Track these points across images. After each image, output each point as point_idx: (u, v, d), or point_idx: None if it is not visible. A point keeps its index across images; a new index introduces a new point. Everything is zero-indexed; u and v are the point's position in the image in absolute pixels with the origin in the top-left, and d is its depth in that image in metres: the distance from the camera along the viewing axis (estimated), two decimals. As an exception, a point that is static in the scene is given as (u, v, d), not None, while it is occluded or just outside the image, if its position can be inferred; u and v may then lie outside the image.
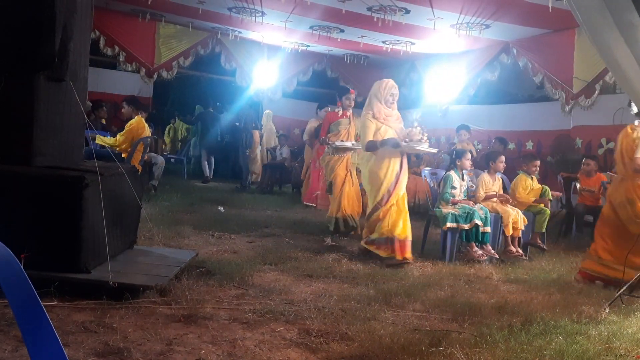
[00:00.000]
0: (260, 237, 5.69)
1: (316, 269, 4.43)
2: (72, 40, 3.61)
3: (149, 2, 8.21)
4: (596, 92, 7.79)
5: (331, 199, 6.00)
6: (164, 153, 12.00)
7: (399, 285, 4.11)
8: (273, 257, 4.73)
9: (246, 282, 3.88)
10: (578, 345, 2.84)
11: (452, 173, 5.67)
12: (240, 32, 10.19)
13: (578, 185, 7.07)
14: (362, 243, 5.16)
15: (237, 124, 11.11)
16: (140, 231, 4.47)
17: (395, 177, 5.06)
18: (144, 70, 9.96)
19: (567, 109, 8.14)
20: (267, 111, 11.97)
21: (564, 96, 8.21)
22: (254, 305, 3.37)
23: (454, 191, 5.58)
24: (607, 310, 3.67)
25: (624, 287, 3.98)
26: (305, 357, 2.64)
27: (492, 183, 5.97)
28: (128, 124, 7.04)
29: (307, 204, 8.55)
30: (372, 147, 5.03)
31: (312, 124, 9.16)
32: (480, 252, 5.35)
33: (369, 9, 7.69)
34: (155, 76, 10.14)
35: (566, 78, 8.18)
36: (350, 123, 6.21)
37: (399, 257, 4.84)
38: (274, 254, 4.87)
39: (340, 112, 6.21)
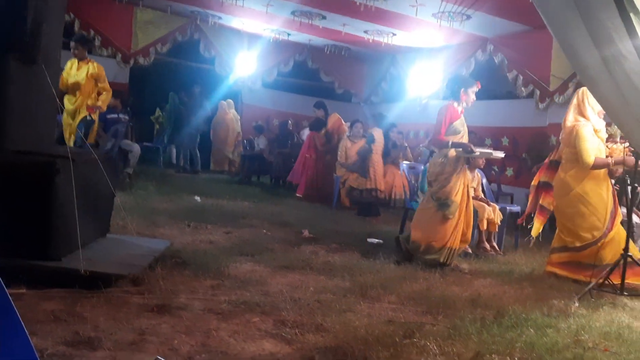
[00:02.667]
0: (237, 228, 5.65)
1: (293, 261, 4.42)
2: (45, 22, 3.51)
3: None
4: (570, 89, 7.92)
5: (436, 222, 4.78)
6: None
7: (375, 277, 4.12)
8: (250, 248, 4.71)
9: (222, 272, 3.84)
10: (548, 338, 2.89)
11: None
12: (220, 18, 10.05)
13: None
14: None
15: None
16: (114, 219, 4.41)
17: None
18: (120, 55, 9.77)
19: (541, 106, 8.26)
20: (228, 100, 11.93)
21: (539, 94, 8.34)
22: (229, 296, 3.34)
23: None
24: (576, 304, 3.74)
25: (594, 282, 4.07)
26: (280, 348, 2.63)
27: (471, 179, 6.01)
28: None
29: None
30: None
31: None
32: None
33: (352, -8, 7.65)
34: (131, 62, 9.95)
35: (543, 76, 8.29)
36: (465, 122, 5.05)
37: None
38: (251, 245, 4.85)
39: (461, 109, 5.00)
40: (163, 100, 12.20)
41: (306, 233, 5.71)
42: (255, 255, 4.48)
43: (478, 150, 4.86)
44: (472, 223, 4.99)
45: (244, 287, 3.58)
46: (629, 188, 4.49)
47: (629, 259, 4.12)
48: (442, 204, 4.74)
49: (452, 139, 4.79)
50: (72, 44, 6.56)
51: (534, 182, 5.04)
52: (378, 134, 8.41)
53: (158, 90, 12.71)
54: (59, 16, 3.99)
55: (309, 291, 3.60)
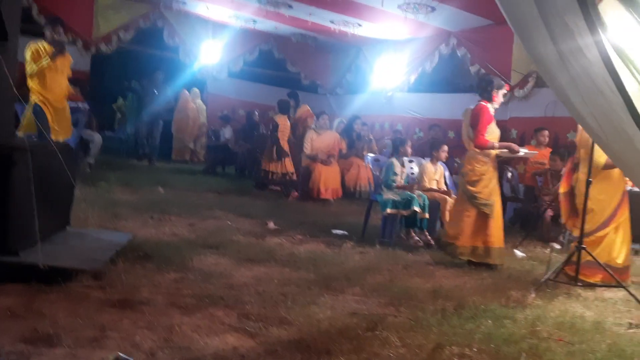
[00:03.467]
0: (201, 220, 5.61)
1: (258, 253, 4.43)
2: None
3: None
4: (530, 84, 8.14)
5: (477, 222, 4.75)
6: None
7: (339, 269, 4.17)
8: (214, 241, 4.68)
9: (185, 266, 3.82)
10: (505, 329, 2.99)
11: (394, 160, 5.79)
12: (185, 3, 9.85)
13: None
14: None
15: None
16: (74, 212, 4.31)
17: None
18: (81, 42, 9.46)
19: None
20: (194, 89, 11.79)
21: (501, 88, 8.51)
22: (193, 289, 3.33)
23: (395, 177, 5.70)
24: (533, 295, 3.88)
25: (549, 273, 4.21)
26: (243, 342, 2.63)
27: (434, 172, 6.13)
28: None
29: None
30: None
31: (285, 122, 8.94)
32: (417, 238, 5.51)
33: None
34: (93, 49, 9.67)
35: (504, 70, 8.47)
36: None
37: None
38: (215, 237, 4.82)
39: (492, 109, 4.85)
40: (125, 89, 11.93)
41: (271, 224, 5.72)
42: (219, 248, 4.46)
43: (523, 151, 4.86)
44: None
45: (207, 280, 3.56)
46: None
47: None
48: (485, 204, 4.70)
49: (492, 139, 4.76)
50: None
51: (563, 190, 4.93)
52: (281, 120, 8.50)
53: (120, 78, 12.44)
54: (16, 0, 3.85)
55: (273, 284, 3.61)
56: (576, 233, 4.84)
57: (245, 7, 9.48)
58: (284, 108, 8.75)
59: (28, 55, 5.79)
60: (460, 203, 4.90)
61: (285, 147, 8.52)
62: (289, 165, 8.49)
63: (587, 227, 4.40)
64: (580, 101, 2.05)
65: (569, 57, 1.84)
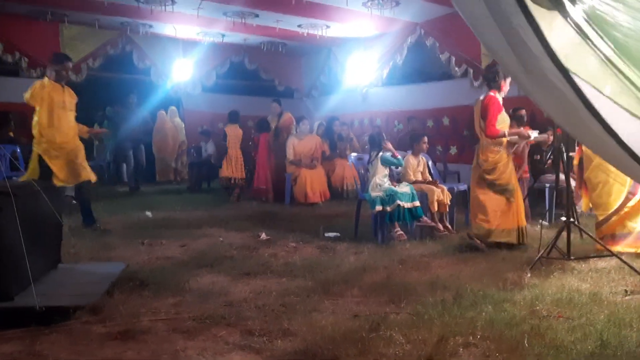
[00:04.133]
0: (192, 240, 5.59)
1: (253, 266, 4.42)
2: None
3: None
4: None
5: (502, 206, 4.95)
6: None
7: (336, 273, 4.18)
8: (208, 259, 4.67)
9: (182, 288, 3.80)
10: (506, 313, 3.03)
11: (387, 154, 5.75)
12: (151, 26, 9.85)
13: None
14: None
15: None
16: (64, 248, 4.27)
17: None
18: (50, 75, 9.40)
19: (476, 84, 8.54)
20: (171, 108, 11.76)
21: (472, 72, 8.62)
22: (193, 311, 3.32)
23: (380, 174, 5.70)
24: (529, 275, 3.94)
25: (542, 251, 4.27)
26: (250, 358, 2.64)
27: (417, 164, 6.18)
28: None
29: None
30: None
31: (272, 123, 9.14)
32: (401, 232, 5.54)
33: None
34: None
35: (474, 55, 8.56)
36: None
37: None
38: (209, 256, 4.81)
39: (501, 98, 5.01)
40: (100, 117, 11.83)
41: (263, 235, 5.72)
42: (214, 266, 4.45)
43: (533, 135, 5.00)
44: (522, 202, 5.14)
45: (206, 300, 3.55)
46: (565, 155, 4.75)
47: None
48: (504, 189, 4.91)
49: (502, 128, 4.92)
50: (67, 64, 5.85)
51: (576, 162, 5.21)
52: (230, 129, 9.29)
53: (93, 106, 12.31)
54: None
55: (272, 296, 3.61)
56: (584, 205, 5.04)
57: (213, 23, 9.51)
58: (233, 119, 9.46)
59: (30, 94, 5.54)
60: (480, 190, 5.03)
61: (237, 154, 9.27)
62: (238, 170, 9.27)
63: (612, 199, 4.61)
64: (546, 98, 2.08)
65: (527, 62, 1.86)
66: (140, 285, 3.82)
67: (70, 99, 5.84)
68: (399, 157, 5.80)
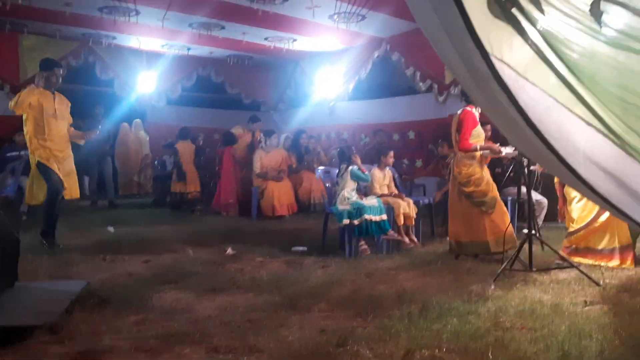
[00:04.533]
0: (156, 255, 5.47)
1: (219, 282, 4.36)
2: None
3: (7, 8, 7.48)
4: (464, 81, 8.42)
5: (492, 218, 5.00)
6: None
7: (303, 287, 4.16)
8: (172, 275, 4.58)
9: (145, 305, 3.71)
10: (470, 325, 3.06)
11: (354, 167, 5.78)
12: (115, 38, 9.71)
13: None
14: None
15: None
16: (22, 264, 4.10)
17: None
18: (8, 86, 9.15)
19: (440, 99, 8.71)
20: (136, 120, 11.60)
21: (437, 87, 8.80)
22: (156, 329, 3.24)
23: (348, 188, 5.71)
24: (493, 287, 3.99)
25: (505, 263, 4.35)
26: (215, 377, 2.59)
27: (383, 177, 6.23)
28: None
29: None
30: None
31: (246, 138, 9.05)
32: (365, 246, 5.56)
33: (248, -3, 7.65)
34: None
35: (439, 70, 8.75)
36: None
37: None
38: (173, 271, 4.72)
39: (477, 112, 5.10)
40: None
41: (230, 250, 5.65)
42: (178, 282, 4.37)
43: (505, 151, 5.02)
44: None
45: (170, 318, 3.47)
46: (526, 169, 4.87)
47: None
48: (481, 202, 4.99)
49: (477, 142, 5.04)
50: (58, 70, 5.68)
51: (557, 179, 5.27)
52: (181, 146, 9.65)
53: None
54: None
55: (238, 312, 3.56)
56: (568, 222, 5.07)
57: (178, 35, 9.44)
58: (183, 135, 9.80)
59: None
60: (457, 203, 5.14)
61: (191, 169, 9.55)
62: (192, 185, 9.52)
63: (585, 213, 4.72)
64: (497, 115, 2.15)
65: (479, 78, 1.91)
66: (102, 303, 3.71)
67: (61, 106, 5.65)
68: (367, 172, 5.85)
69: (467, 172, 5.05)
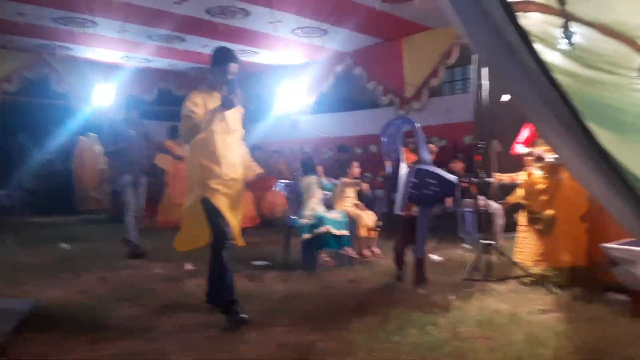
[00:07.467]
0: (112, 272, 5.31)
1: (177, 298, 4.26)
2: None
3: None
4: (424, 96, 8.59)
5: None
6: None
7: (264, 302, 4.10)
8: (129, 292, 4.45)
9: (99, 324, 3.58)
10: (430, 336, 3.07)
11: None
12: (71, 49, 9.48)
13: None
14: None
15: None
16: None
17: None
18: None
19: (401, 112, 8.83)
20: (91, 134, 11.37)
21: (398, 101, 8.93)
22: (110, 349, 3.12)
23: (315, 199, 5.67)
24: (453, 297, 4.02)
25: (464, 274, 4.40)
26: (170, 396, 2.50)
27: (347, 190, 6.23)
28: None
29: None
30: None
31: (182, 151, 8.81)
32: (327, 259, 5.55)
33: (208, 11, 7.60)
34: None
35: (399, 84, 8.88)
36: None
37: None
38: (130, 288, 4.58)
39: None
40: (12, 144, 11.21)
41: (188, 266, 5.53)
42: (135, 299, 4.24)
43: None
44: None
45: (126, 336, 3.36)
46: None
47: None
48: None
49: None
50: None
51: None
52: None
53: (9, 132, 11.66)
54: None
55: (196, 329, 3.48)
56: None
57: (137, 47, 9.30)
58: None
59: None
60: None
61: None
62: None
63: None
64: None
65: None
66: (52, 322, 3.57)
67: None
68: (329, 182, 5.87)
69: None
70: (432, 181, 4.19)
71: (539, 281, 4.28)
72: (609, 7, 1.81)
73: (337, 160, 9.13)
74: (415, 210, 4.51)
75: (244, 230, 7.87)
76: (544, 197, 4.55)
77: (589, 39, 2.02)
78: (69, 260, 5.78)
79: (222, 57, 3.79)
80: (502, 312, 3.60)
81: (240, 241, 3.77)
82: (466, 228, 6.69)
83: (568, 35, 1.98)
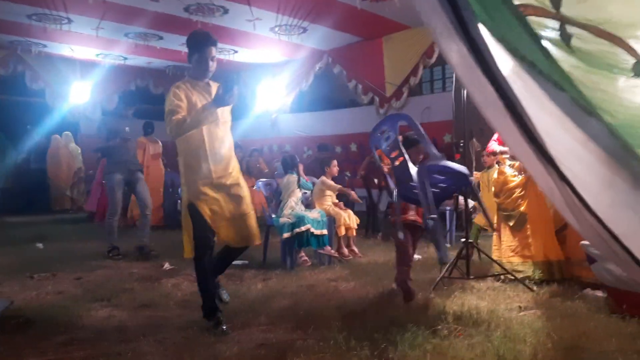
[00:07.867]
0: (88, 272, 5.22)
1: (154, 298, 4.19)
2: None
3: None
4: (404, 95, 8.61)
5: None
6: None
7: (243, 301, 4.06)
8: (104, 292, 4.36)
9: (74, 325, 3.50)
10: (409, 334, 3.06)
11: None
12: (45, 46, 9.30)
13: None
14: None
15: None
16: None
17: None
18: None
19: (382, 111, 8.85)
20: (65, 133, 11.18)
21: (378, 100, 8.94)
22: (85, 350, 3.05)
23: (294, 197, 5.64)
24: (432, 295, 4.04)
25: (444, 272, 4.41)
26: (146, 398, 2.45)
27: (326, 188, 6.22)
28: None
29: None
30: None
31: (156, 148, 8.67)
32: (305, 258, 5.53)
33: (186, 9, 7.51)
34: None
35: (379, 83, 8.90)
36: None
37: None
38: (106, 288, 4.50)
39: None
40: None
41: (167, 265, 5.47)
42: (111, 299, 4.17)
43: None
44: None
45: (101, 337, 3.29)
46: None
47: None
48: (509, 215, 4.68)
49: None
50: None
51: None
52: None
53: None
54: None
55: (173, 329, 3.42)
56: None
57: (113, 44, 9.16)
58: None
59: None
60: None
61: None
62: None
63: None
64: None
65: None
66: (26, 323, 3.49)
67: None
68: (309, 181, 5.85)
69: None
70: (439, 177, 3.97)
71: (516, 278, 4.32)
72: (601, 7, 1.82)
73: (317, 158, 9.13)
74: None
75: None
76: (515, 194, 4.64)
77: (584, 41, 2.03)
78: (44, 260, 5.66)
79: (200, 42, 3.47)
80: (482, 309, 3.62)
81: (256, 240, 3.75)
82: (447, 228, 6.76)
83: (565, 38, 1.99)
